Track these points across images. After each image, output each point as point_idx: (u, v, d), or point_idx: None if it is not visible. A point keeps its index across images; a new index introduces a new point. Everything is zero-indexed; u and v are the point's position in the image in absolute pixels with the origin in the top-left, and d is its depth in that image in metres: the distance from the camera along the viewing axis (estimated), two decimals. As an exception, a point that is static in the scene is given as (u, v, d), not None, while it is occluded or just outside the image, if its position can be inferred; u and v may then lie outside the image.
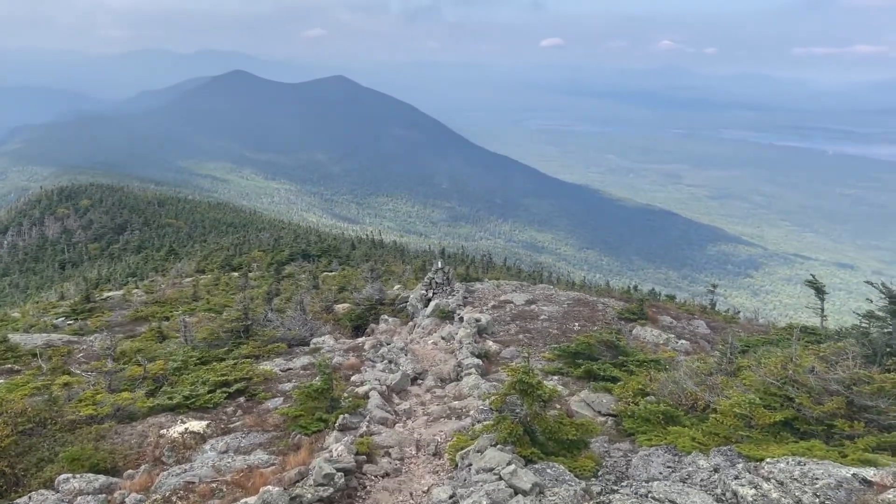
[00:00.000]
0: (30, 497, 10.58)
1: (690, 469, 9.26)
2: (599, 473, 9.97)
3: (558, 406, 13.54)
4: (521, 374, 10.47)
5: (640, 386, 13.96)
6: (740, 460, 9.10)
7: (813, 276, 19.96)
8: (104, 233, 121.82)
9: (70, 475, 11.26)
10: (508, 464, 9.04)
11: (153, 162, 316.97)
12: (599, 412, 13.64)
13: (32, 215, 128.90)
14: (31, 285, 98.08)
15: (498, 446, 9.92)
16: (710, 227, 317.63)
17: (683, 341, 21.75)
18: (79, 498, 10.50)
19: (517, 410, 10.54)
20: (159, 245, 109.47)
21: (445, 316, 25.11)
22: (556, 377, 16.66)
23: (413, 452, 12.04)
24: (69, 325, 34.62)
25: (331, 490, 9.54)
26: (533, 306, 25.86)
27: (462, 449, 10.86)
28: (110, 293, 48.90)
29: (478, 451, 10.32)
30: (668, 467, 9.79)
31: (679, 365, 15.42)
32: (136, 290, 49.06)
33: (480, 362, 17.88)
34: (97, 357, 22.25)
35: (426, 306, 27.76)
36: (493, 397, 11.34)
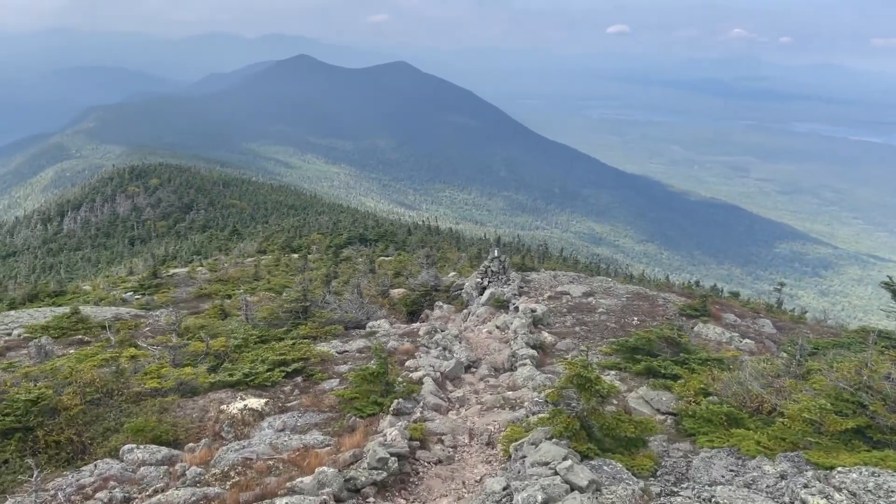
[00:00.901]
0: (95, 465, 10.99)
1: (755, 474, 8.92)
2: (658, 473, 9.71)
3: (615, 402, 13.23)
4: (579, 367, 10.27)
5: (702, 385, 13.55)
6: (809, 468, 8.72)
7: (890, 278, 18.95)
8: (172, 211, 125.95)
9: (134, 445, 11.64)
10: (564, 458, 8.88)
11: (219, 144, 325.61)
12: (658, 410, 13.31)
13: (105, 192, 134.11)
14: (101, 260, 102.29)
15: (553, 440, 9.76)
16: (777, 223, 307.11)
17: (748, 340, 21.04)
18: (142, 468, 10.84)
19: (573, 404, 10.35)
20: (223, 225, 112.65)
21: (500, 305, 24.95)
22: (613, 372, 16.34)
23: (466, 441, 11.99)
24: (137, 299, 35.90)
25: (384, 474, 9.57)
26: (590, 298, 25.46)
27: (516, 440, 10.73)
28: (176, 270, 50.54)
29: (532, 444, 10.18)
30: (731, 471, 9.46)
31: (744, 365, 14.90)
32: (200, 268, 50.55)
33: (535, 353, 17.68)
34: (163, 331, 22.97)
35: (481, 294, 27.66)
36: (548, 390, 11.18)
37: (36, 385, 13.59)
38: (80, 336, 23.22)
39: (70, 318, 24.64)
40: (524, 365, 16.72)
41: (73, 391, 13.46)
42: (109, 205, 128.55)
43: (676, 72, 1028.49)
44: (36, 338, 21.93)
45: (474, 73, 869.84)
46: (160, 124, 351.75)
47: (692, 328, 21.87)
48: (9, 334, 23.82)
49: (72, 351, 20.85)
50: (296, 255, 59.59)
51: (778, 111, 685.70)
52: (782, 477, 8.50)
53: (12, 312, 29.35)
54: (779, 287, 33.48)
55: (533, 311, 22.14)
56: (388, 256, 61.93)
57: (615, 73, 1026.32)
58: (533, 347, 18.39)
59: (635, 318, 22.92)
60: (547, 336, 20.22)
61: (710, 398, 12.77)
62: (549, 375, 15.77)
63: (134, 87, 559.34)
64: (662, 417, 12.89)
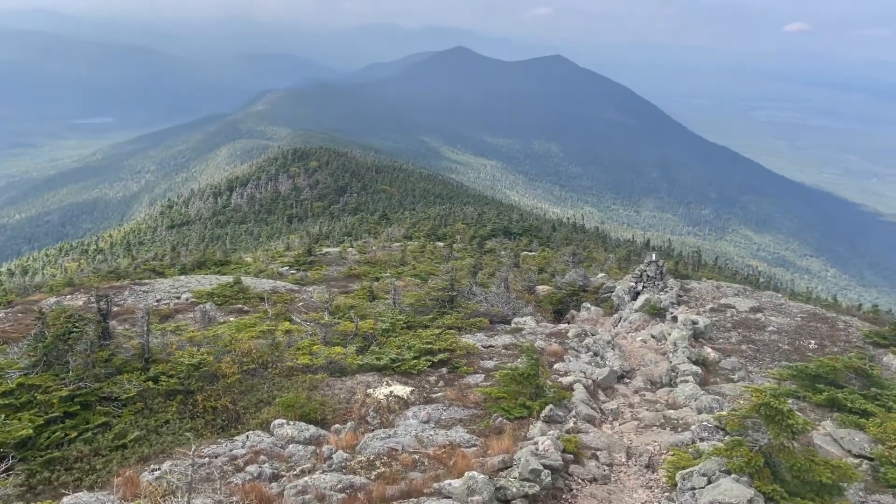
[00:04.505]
0: (247, 436, 11.12)
1: None
2: (860, 532, 8.25)
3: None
4: (768, 396, 8.96)
5: (905, 428, 11.61)
6: None
7: None
8: (327, 193, 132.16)
9: (284, 421, 11.69)
10: (750, 501, 7.70)
11: (375, 131, 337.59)
12: (849, 451, 11.55)
13: (269, 171, 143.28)
14: (262, 234, 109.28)
15: (733, 476, 8.56)
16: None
17: (951, 380, 18.15)
18: (290, 445, 10.82)
19: (758, 437, 9.05)
20: (373, 209, 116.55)
21: (656, 313, 23.37)
22: (790, 400, 14.52)
23: (623, 460, 10.97)
24: (292, 274, 37.56)
25: (536, 488, 8.83)
26: (759, 315, 23.20)
27: (683, 468, 9.60)
28: (328, 249, 52.57)
29: (703, 475, 9.03)
30: (955, 542, 7.82)
31: (957, 411, 12.67)
32: (350, 249, 52.26)
33: (699, 370, 16.18)
34: (315, 308, 23.59)
35: (634, 300, 26.14)
36: (722, 414, 9.91)
37: (199, 350, 14.13)
38: (240, 305, 24.37)
39: (232, 287, 25.99)
40: (686, 382, 15.34)
41: (231, 360, 13.86)
42: (273, 183, 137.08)
43: (860, 75, 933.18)
44: (202, 303, 23.28)
45: (635, 70, 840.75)
46: (323, 109, 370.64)
47: (881, 359, 19.25)
48: (178, 297, 25.51)
49: (232, 318, 21.88)
50: (441, 244, 60.15)
51: None
52: None
53: (183, 277, 31.57)
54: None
55: (694, 323, 20.44)
56: (531, 251, 61.03)
57: (791, 73, 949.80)
58: (694, 363, 16.89)
59: (812, 342, 20.55)
60: (710, 352, 18.55)
61: (918, 446, 10.89)
62: (716, 397, 14.31)
63: (303, 74, 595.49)
64: (855, 461, 11.16)
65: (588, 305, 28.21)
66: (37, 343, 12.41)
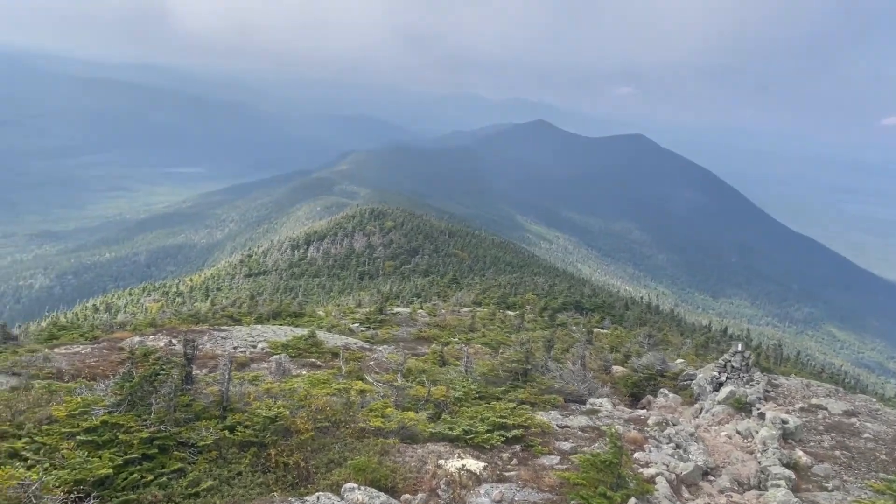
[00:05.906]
0: (318, 497, 10.85)
1: None
2: None
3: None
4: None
5: None
6: None
7: None
8: (399, 253, 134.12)
9: (356, 485, 11.38)
10: None
11: (451, 196, 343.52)
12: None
13: (346, 228, 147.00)
14: (334, 289, 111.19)
15: None
16: None
17: None
18: (361, 512, 10.49)
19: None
20: (444, 272, 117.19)
21: (741, 407, 22.07)
22: (894, 521, 13.27)
23: (712, 568, 10.12)
24: (362, 331, 37.71)
25: (622, 591, 8.18)
26: (853, 419, 21.60)
27: (784, 587, 8.74)
28: (399, 309, 52.79)
29: None
30: None
31: None
32: (420, 311, 52.32)
33: (791, 474, 15.03)
34: (386, 368, 23.45)
35: (717, 390, 24.84)
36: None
37: (275, 403, 14.11)
38: (313, 359, 24.50)
39: (306, 340, 26.22)
40: (777, 486, 14.25)
41: (305, 415, 13.75)
42: (348, 240, 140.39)
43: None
44: (276, 353, 23.52)
45: (718, 153, 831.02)
46: (403, 171, 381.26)
47: None
48: (254, 346, 25.89)
49: (304, 372, 21.95)
50: (511, 313, 59.52)
51: None
52: None
53: (259, 326, 32.16)
54: None
55: (784, 422, 19.16)
56: (603, 329, 59.60)
57: (884, 167, 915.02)
58: (786, 466, 15.73)
59: (915, 455, 18.89)
60: (801, 455, 17.25)
61: None
62: (812, 507, 13.20)
63: (387, 136, 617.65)
64: None
65: (666, 392, 26.99)
66: (124, 382, 12.66)
